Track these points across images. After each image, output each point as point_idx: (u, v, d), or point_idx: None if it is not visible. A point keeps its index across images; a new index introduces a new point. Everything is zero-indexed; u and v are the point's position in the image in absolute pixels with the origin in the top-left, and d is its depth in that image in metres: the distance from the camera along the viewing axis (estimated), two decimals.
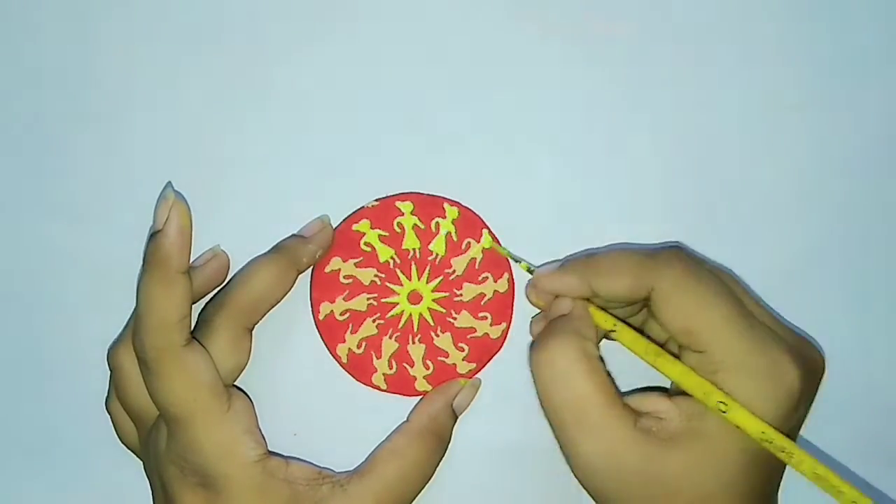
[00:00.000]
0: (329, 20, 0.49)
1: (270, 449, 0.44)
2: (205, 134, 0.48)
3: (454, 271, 0.48)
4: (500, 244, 0.48)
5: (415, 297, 0.48)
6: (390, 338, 0.48)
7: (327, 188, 0.48)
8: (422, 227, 0.48)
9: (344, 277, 0.48)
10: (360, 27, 0.49)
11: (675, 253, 0.40)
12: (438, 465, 0.46)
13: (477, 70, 0.49)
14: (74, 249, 0.49)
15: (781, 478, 0.42)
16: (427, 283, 0.48)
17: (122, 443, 0.47)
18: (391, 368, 0.48)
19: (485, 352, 0.48)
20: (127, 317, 0.47)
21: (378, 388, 0.48)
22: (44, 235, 0.49)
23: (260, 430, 0.44)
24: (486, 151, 0.49)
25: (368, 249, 0.48)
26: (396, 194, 0.48)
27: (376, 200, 0.48)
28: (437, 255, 0.48)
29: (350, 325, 0.48)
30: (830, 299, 0.49)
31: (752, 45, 0.49)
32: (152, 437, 0.44)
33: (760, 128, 0.49)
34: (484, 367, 0.48)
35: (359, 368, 0.48)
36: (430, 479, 0.45)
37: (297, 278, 0.46)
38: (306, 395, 0.48)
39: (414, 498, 0.45)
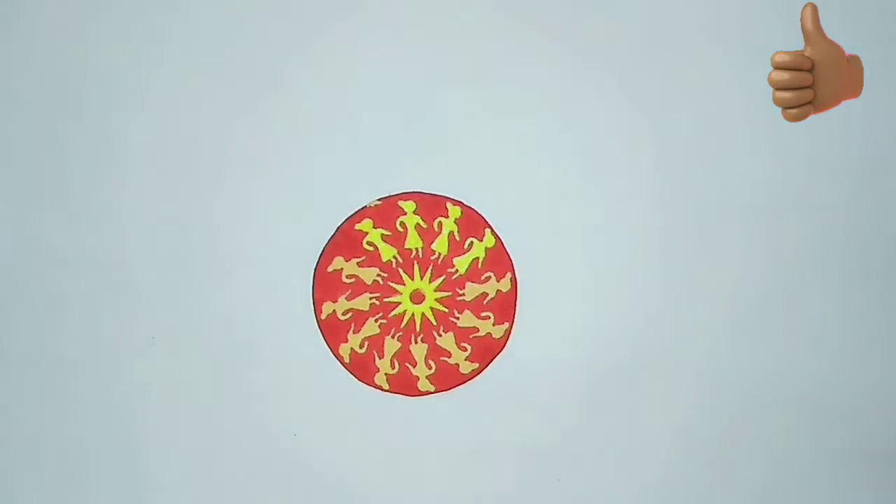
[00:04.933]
0: (334, 20, 0.48)
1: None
2: (208, 134, 0.48)
3: (456, 271, 0.48)
4: (502, 244, 0.48)
5: (417, 297, 0.48)
6: (392, 337, 0.48)
7: (329, 187, 0.48)
8: (424, 226, 0.48)
9: (346, 277, 0.48)
10: (364, 27, 0.48)
11: None
12: None
13: (479, 70, 0.48)
14: (79, 247, 0.49)
15: None
16: (430, 282, 0.48)
17: None
18: (393, 368, 0.48)
19: (487, 351, 0.48)
20: (131, 313, 0.47)
21: (380, 388, 0.48)
22: (49, 233, 0.49)
23: None
24: (489, 150, 0.49)
25: (371, 249, 0.48)
26: (399, 193, 0.48)
27: (379, 200, 0.48)
28: (439, 254, 0.48)
29: (352, 325, 0.48)
30: (825, 303, 0.50)
31: (749, 48, 0.49)
32: None
33: (757, 129, 0.49)
34: (487, 366, 0.48)
35: (361, 368, 0.48)
36: None
37: None
38: (307, 396, 0.48)
39: None
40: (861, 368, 0.50)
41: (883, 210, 0.50)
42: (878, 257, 0.50)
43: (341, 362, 0.48)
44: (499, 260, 0.48)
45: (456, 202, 0.48)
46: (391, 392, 0.48)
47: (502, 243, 0.48)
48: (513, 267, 0.48)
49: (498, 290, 0.48)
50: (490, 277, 0.48)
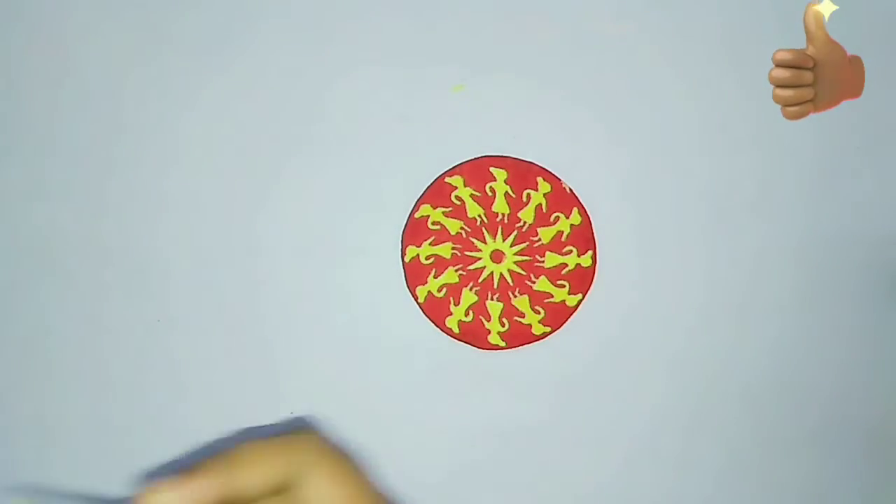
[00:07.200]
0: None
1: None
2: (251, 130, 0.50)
3: (539, 240, 0.49)
4: (590, 223, 0.49)
5: (497, 256, 0.48)
6: (470, 290, 0.48)
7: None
8: (513, 195, 0.49)
9: (432, 223, 0.48)
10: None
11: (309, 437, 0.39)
12: None
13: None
14: (83, 236, 0.50)
15: None
16: (511, 246, 0.49)
17: None
18: (467, 316, 0.48)
19: (560, 316, 0.48)
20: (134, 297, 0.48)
21: (451, 331, 0.48)
22: (54, 221, 0.50)
23: None
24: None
25: (458, 203, 0.49)
26: (492, 156, 0.49)
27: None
28: (525, 222, 0.49)
29: (434, 270, 0.48)
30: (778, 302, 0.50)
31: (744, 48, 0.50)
32: None
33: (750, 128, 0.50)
34: (557, 330, 0.48)
35: (435, 310, 0.48)
36: None
37: None
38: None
39: None
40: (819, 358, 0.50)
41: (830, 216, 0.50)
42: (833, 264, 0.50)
43: (417, 302, 0.48)
44: (583, 237, 0.49)
45: (548, 178, 0.49)
46: (460, 339, 0.48)
47: (590, 223, 0.49)
48: (595, 245, 0.49)
49: (578, 264, 0.49)
50: (572, 251, 0.49)
